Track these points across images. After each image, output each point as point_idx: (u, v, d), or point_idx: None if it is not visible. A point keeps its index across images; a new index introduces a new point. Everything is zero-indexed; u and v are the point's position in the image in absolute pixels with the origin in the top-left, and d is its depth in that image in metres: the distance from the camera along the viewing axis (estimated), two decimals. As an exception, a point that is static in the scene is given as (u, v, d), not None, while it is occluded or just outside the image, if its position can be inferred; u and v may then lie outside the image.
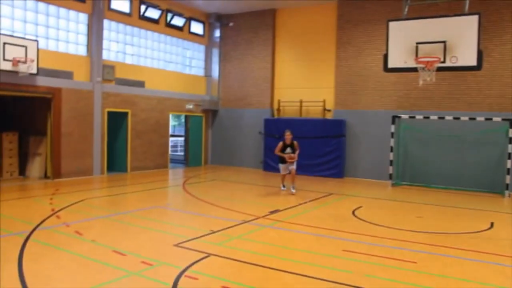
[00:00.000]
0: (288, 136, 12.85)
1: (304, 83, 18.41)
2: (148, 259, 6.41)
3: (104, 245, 7.11)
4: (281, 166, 13.22)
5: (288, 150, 12.76)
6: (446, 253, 7.32)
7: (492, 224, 9.65)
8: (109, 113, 16.04)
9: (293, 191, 12.99)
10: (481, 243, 8.08)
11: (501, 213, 11.24)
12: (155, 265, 6.21)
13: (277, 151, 12.97)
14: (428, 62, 10.55)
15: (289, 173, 12.94)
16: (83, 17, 15.33)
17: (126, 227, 8.54)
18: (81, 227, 8.22)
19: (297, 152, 12.84)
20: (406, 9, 11.78)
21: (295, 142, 12.93)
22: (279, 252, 7.16)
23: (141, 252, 6.75)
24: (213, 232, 8.20)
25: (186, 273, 5.85)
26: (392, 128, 15.20)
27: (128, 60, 17.22)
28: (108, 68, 15.90)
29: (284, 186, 13.57)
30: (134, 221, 9.04)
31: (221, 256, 6.74)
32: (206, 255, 6.73)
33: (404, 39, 11.10)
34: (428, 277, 6.09)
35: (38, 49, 13.14)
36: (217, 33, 20.62)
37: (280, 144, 12.97)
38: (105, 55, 16.01)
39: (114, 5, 16.16)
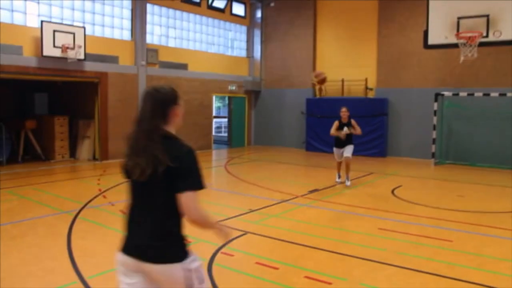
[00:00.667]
0: (344, 113, 10.99)
1: (345, 62, 18.24)
2: (187, 236, 6.67)
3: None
4: (335, 151, 11.28)
5: (345, 129, 10.90)
6: (484, 232, 7.27)
7: (536, 203, 9.45)
8: (154, 96, 16.43)
9: (348, 183, 11.08)
10: (522, 222, 7.96)
11: (547, 192, 10.96)
12: (193, 242, 6.41)
13: (332, 131, 11.01)
14: (470, 37, 10.32)
15: (343, 160, 11.14)
16: (127, 3, 15.72)
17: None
18: (125, 207, 8.58)
19: (358, 130, 10.91)
20: (448, -16, 11.48)
21: (352, 121, 11.05)
22: (315, 230, 7.31)
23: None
24: (252, 211, 8.43)
25: (223, 250, 6.10)
26: (435, 106, 14.92)
27: (171, 43, 17.58)
28: (152, 52, 16.30)
29: (339, 177, 11.54)
30: (176, 200, 9.36)
31: (257, 234, 6.97)
32: (243, 233, 6.97)
33: (445, 14, 10.90)
34: (463, 256, 6.11)
35: (85, 35, 13.67)
36: (259, 14, 20.67)
37: (336, 123, 11.06)
38: (149, 39, 16.40)
39: (157, -11, 16.50)
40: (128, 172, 2.65)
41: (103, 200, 9.18)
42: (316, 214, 8.50)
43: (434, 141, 15.06)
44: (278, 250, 6.32)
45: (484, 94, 14.23)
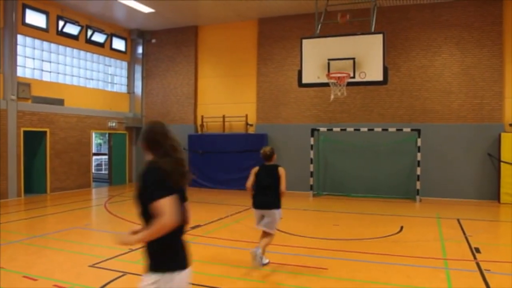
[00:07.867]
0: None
1: (226, 98, 18.65)
2: (61, 282, 6.29)
3: (14, 271, 6.88)
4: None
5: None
6: (356, 258, 7.72)
7: (401, 228, 10.26)
8: (26, 132, 15.47)
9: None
10: (389, 246, 8.59)
11: (411, 217, 12.00)
12: None
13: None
14: (339, 77, 11.12)
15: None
16: (-6, 34, 14.77)
17: (40, 250, 8.29)
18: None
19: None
20: (319, 27, 12.38)
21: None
22: (196, 267, 7.20)
23: (54, 276, 6.61)
24: (132, 250, 8.14)
25: (100, 292, 5.82)
26: (312, 141, 15.74)
27: (46, 77, 16.73)
28: (24, 86, 15.36)
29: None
30: (49, 243, 8.80)
31: (137, 274, 6.71)
32: (122, 273, 6.70)
33: (317, 56, 11.66)
34: (337, 282, 6.42)
35: None
36: (140, 50, 20.50)
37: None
38: (20, 72, 15.48)
39: (29, 19, 15.64)
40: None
41: None
42: (197, 250, 8.42)
43: (311, 174, 15.80)
44: (158, 289, 6.15)
45: (355, 129, 15.31)
